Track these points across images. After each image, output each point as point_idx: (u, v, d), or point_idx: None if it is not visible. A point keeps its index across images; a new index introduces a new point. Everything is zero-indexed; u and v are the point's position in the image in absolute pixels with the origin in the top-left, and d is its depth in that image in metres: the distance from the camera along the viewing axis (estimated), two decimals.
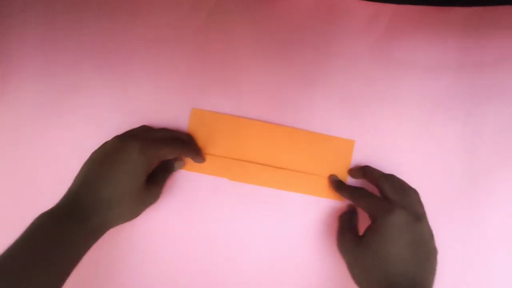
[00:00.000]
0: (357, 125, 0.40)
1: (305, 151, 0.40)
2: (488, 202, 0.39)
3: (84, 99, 0.40)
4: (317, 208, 0.40)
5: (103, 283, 0.40)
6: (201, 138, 0.40)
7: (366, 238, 0.32)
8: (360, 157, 0.40)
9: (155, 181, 0.36)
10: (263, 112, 0.40)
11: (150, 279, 0.40)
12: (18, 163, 0.40)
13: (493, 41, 0.40)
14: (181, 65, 0.41)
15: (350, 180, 0.40)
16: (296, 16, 0.41)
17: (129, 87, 0.40)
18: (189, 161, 0.39)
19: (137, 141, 0.33)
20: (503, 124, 0.39)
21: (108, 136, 0.40)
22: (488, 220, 0.39)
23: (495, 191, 0.39)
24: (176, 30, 0.41)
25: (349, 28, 0.40)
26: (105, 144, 0.34)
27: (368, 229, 0.33)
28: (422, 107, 0.40)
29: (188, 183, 0.40)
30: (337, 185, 0.39)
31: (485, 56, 0.40)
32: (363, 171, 0.38)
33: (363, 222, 0.37)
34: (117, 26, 0.41)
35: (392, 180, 0.35)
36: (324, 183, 0.40)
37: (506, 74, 0.40)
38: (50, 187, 0.40)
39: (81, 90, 0.40)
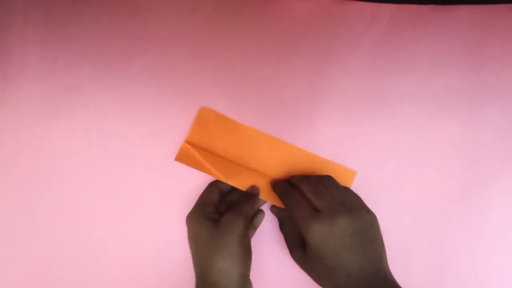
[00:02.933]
0: (357, 125, 0.40)
1: (303, 172, 0.39)
2: (490, 202, 0.39)
3: (84, 99, 0.40)
4: None
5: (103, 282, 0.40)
6: (203, 137, 0.40)
7: (308, 255, 0.33)
8: (360, 158, 0.40)
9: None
10: (262, 112, 0.40)
11: (150, 279, 0.40)
12: (18, 162, 0.40)
13: (495, 41, 0.40)
14: (181, 65, 0.41)
15: None
16: (296, 17, 0.41)
17: (129, 86, 0.40)
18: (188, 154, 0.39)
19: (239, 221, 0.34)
20: (505, 124, 0.39)
21: (107, 136, 0.40)
22: (491, 221, 0.39)
23: (497, 192, 0.39)
24: (175, 30, 0.41)
25: (349, 29, 0.40)
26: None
27: (306, 244, 0.33)
28: (423, 108, 0.40)
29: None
30: (274, 185, 0.38)
31: (487, 56, 0.40)
32: (288, 182, 0.38)
33: None
34: (117, 25, 0.41)
35: (305, 182, 0.35)
36: None
37: (508, 74, 0.39)
38: (50, 187, 0.40)
39: (81, 90, 0.40)
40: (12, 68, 0.40)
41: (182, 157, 0.39)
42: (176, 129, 0.40)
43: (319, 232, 0.31)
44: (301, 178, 0.36)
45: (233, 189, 0.38)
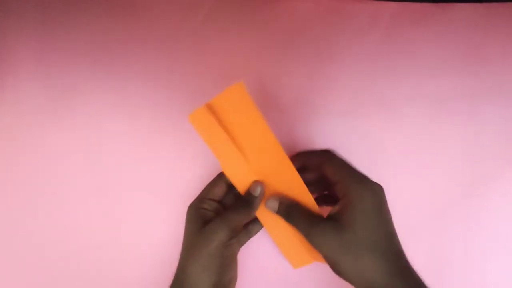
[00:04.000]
0: (358, 125, 0.40)
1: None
2: (490, 204, 0.38)
3: (82, 99, 0.40)
4: None
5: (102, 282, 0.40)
6: (224, 111, 0.32)
7: (348, 224, 0.28)
8: (359, 159, 0.39)
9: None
10: (261, 111, 0.40)
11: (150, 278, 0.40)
12: (16, 163, 0.40)
13: (496, 40, 0.39)
14: (179, 65, 0.40)
15: None
16: (296, 16, 0.40)
17: (127, 87, 0.40)
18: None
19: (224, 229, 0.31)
20: (506, 125, 0.39)
21: (105, 136, 0.40)
22: (491, 222, 0.38)
23: (498, 193, 0.38)
24: (174, 30, 0.41)
25: (350, 28, 0.40)
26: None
27: (346, 210, 0.28)
28: (424, 107, 0.39)
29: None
30: (300, 156, 0.34)
31: (488, 55, 0.39)
32: (300, 158, 0.33)
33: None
34: (115, 25, 0.41)
35: (333, 157, 0.32)
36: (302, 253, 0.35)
37: (509, 74, 0.39)
38: (48, 188, 0.40)
39: (78, 90, 0.40)
40: (9, 68, 0.40)
41: (196, 119, 0.32)
42: (175, 129, 0.40)
43: (370, 196, 0.28)
44: (320, 155, 0.32)
45: None
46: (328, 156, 0.32)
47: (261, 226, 0.36)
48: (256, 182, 0.33)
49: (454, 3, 0.39)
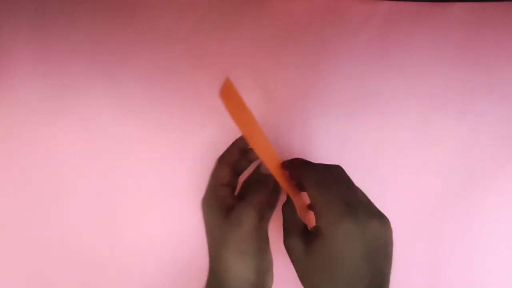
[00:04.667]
0: (353, 123, 0.40)
1: None
2: (486, 200, 0.39)
3: (80, 99, 0.40)
4: None
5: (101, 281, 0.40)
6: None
7: (315, 248, 0.27)
8: (354, 156, 0.40)
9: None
10: (258, 109, 0.40)
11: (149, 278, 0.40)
12: (14, 163, 0.40)
13: (490, 38, 0.40)
14: (176, 64, 0.40)
15: None
16: (291, 14, 0.40)
17: (125, 86, 0.40)
18: None
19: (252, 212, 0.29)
20: (500, 122, 0.39)
21: (103, 136, 0.40)
22: (485, 218, 0.39)
23: (492, 189, 0.39)
24: (171, 29, 0.41)
25: (345, 27, 0.40)
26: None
27: (316, 236, 0.27)
28: (418, 105, 0.40)
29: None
30: (286, 166, 0.32)
31: (482, 53, 0.40)
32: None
33: None
34: (112, 24, 0.41)
35: (315, 169, 0.29)
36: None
37: (503, 71, 0.39)
38: (46, 188, 0.40)
39: (76, 89, 0.40)
40: (6, 68, 0.40)
41: (225, 93, 0.30)
42: (173, 128, 0.40)
43: (350, 231, 0.25)
44: (301, 164, 0.31)
45: (245, 165, 0.34)
46: (308, 178, 0.29)
47: (278, 195, 0.34)
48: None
49: (448, 2, 0.40)
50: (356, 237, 0.26)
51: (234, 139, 0.35)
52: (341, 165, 0.30)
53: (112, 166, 0.40)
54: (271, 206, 0.34)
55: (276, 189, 0.33)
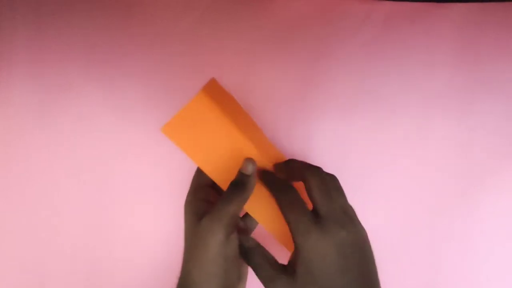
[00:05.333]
0: (351, 124, 0.40)
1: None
2: (485, 199, 0.39)
3: (76, 99, 0.40)
4: None
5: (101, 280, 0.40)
6: (203, 114, 0.30)
7: (296, 278, 0.26)
8: (353, 156, 0.40)
9: None
10: (257, 111, 0.40)
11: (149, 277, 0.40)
12: (9, 163, 0.40)
13: (489, 38, 0.40)
14: (175, 64, 0.40)
15: None
16: (291, 15, 0.40)
17: (122, 86, 0.40)
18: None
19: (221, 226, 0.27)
20: (499, 121, 0.39)
21: (100, 137, 0.40)
22: (484, 218, 0.39)
23: (491, 188, 0.39)
24: (169, 29, 0.41)
25: (345, 27, 0.40)
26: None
27: (294, 259, 0.27)
28: (417, 105, 0.40)
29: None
30: (263, 173, 0.31)
31: (481, 53, 0.40)
32: (286, 166, 0.31)
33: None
34: (110, 24, 0.40)
35: (316, 174, 0.28)
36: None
37: (502, 71, 0.39)
38: (41, 188, 0.40)
39: (72, 89, 0.40)
40: (2, 67, 0.40)
41: (171, 129, 0.30)
42: None
43: (321, 244, 0.26)
44: (309, 166, 0.29)
45: None
46: (279, 188, 0.29)
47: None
48: (247, 159, 0.29)
49: (448, 2, 0.40)
50: (326, 246, 0.26)
51: None
52: (341, 165, 0.30)
53: (109, 167, 0.40)
54: (249, 227, 0.33)
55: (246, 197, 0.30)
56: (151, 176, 0.40)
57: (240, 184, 0.29)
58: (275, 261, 0.29)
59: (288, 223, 0.27)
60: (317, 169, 0.29)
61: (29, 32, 0.40)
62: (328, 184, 0.28)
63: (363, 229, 0.28)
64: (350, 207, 0.29)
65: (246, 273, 0.32)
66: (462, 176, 0.39)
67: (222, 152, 0.30)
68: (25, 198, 0.40)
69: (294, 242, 0.27)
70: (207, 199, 0.31)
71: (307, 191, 0.28)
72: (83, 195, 0.40)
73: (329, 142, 0.40)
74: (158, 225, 0.40)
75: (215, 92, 0.32)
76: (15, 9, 0.40)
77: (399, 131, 0.40)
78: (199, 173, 0.33)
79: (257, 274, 0.29)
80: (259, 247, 0.30)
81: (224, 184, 0.31)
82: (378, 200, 0.39)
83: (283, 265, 0.29)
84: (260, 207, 0.32)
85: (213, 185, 0.32)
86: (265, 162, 0.31)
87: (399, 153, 0.39)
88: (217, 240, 0.27)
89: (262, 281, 0.28)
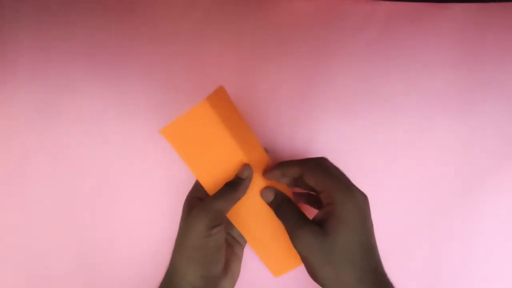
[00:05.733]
0: (353, 123, 0.40)
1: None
2: (484, 199, 0.39)
3: (79, 98, 0.40)
4: None
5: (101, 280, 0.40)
6: (204, 119, 0.31)
7: (330, 232, 0.27)
8: (355, 155, 0.40)
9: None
10: (258, 111, 0.40)
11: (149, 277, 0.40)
12: (13, 162, 0.40)
13: (490, 39, 0.40)
14: (177, 64, 0.40)
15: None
16: (292, 15, 0.41)
17: (124, 86, 0.40)
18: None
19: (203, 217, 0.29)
20: (500, 122, 0.39)
21: (103, 137, 0.40)
22: (484, 218, 0.39)
23: (491, 189, 0.39)
24: (172, 29, 0.41)
25: (346, 27, 0.40)
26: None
27: (329, 219, 0.28)
28: (418, 105, 0.40)
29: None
30: (281, 166, 0.32)
31: (482, 53, 0.40)
32: (281, 170, 0.32)
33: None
34: (112, 25, 0.41)
35: (316, 166, 0.31)
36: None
37: (502, 72, 0.39)
38: (44, 187, 0.40)
39: (75, 90, 0.40)
40: (6, 67, 0.40)
41: (169, 132, 0.31)
42: None
43: (354, 203, 0.28)
44: (297, 161, 0.32)
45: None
46: (308, 167, 0.31)
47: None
48: (245, 165, 0.31)
49: (448, 3, 0.40)
50: (356, 206, 0.28)
51: None
52: (341, 165, 0.31)
53: (111, 166, 0.40)
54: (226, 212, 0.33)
55: (234, 196, 0.31)
56: (153, 176, 0.40)
57: (233, 185, 0.31)
58: (303, 214, 0.30)
59: (327, 188, 0.29)
60: (306, 160, 0.32)
61: (32, 32, 0.40)
62: (323, 165, 0.31)
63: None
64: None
65: (236, 272, 0.34)
66: (462, 176, 0.39)
67: (217, 161, 0.32)
68: (26, 197, 0.40)
69: (331, 199, 0.28)
70: (203, 198, 0.33)
71: (308, 181, 0.30)
72: (85, 194, 0.40)
73: (330, 142, 0.40)
74: (158, 225, 0.40)
75: (219, 101, 0.32)
76: (18, 9, 0.40)
77: (400, 131, 0.40)
78: None
79: (284, 224, 0.30)
80: (288, 201, 0.32)
81: (208, 187, 0.32)
82: (378, 200, 0.39)
83: (308, 218, 0.30)
84: (249, 222, 0.33)
85: None
86: (257, 176, 0.33)
87: (400, 153, 0.40)
88: (199, 229, 0.29)
89: (289, 231, 0.30)
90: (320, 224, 0.28)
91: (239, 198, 0.31)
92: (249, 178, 0.31)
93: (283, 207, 0.32)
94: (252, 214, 0.33)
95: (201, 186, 0.33)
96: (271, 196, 0.32)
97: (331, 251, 0.27)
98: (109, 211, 0.40)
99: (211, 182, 0.32)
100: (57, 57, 0.40)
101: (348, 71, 0.40)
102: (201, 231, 0.29)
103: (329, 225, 0.28)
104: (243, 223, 0.34)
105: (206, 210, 0.29)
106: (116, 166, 0.40)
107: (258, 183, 0.33)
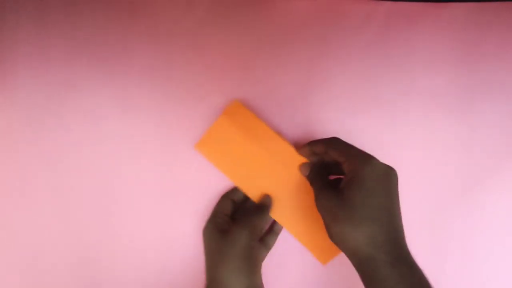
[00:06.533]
0: (353, 124, 0.40)
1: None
2: (485, 198, 0.39)
3: (79, 97, 0.40)
4: None
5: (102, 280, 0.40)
6: (227, 132, 0.37)
7: (347, 193, 0.30)
8: None
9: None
10: (258, 110, 0.40)
11: (149, 277, 0.40)
12: (15, 160, 0.40)
13: (490, 38, 0.40)
14: (178, 63, 0.40)
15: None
16: (293, 15, 0.41)
17: (126, 84, 0.40)
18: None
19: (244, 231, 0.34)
20: (500, 121, 0.39)
21: (103, 135, 0.40)
22: (485, 218, 0.39)
23: (491, 188, 0.39)
24: (172, 27, 0.41)
25: (346, 27, 0.40)
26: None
27: (348, 183, 0.30)
28: (418, 105, 0.40)
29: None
30: (309, 144, 0.36)
31: (482, 53, 0.40)
32: (310, 147, 0.36)
33: None
34: (114, 23, 0.41)
35: (338, 142, 0.34)
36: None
37: (502, 71, 0.39)
38: (45, 185, 0.40)
39: (76, 88, 0.40)
40: (7, 65, 0.40)
41: (203, 146, 0.38)
42: (174, 127, 0.40)
43: (380, 169, 0.30)
44: (323, 139, 0.35)
45: (247, 199, 0.38)
46: (332, 142, 0.34)
47: (274, 240, 0.39)
48: (266, 195, 0.37)
49: (448, 2, 0.40)
50: (380, 171, 0.30)
51: None
52: None
53: (114, 164, 0.40)
54: (265, 246, 0.38)
55: (272, 234, 0.38)
56: (153, 174, 0.40)
57: (261, 206, 0.36)
58: (328, 181, 0.34)
59: (348, 158, 0.32)
60: (334, 138, 0.34)
61: (33, 30, 0.40)
62: (341, 140, 0.33)
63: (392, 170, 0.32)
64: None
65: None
66: (462, 176, 0.39)
67: (249, 167, 0.37)
68: (28, 194, 0.40)
69: (352, 165, 0.31)
70: (226, 222, 0.36)
71: (332, 155, 0.33)
72: (88, 192, 0.40)
73: None
74: (161, 224, 0.40)
75: (237, 112, 0.38)
76: (19, 7, 0.40)
77: (400, 131, 0.40)
78: (219, 206, 0.38)
79: (311, 184, 0.35)
80: (319, 173, 0.35)
81: (249, 191, 0.37)
82: None
83: (334, 186, 0.32)
84: (291, 217, 0.37)
85: (228, 214, 0.37)
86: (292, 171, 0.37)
87: (400, 153, 0.40)
88: (244, 242, 0.33)
89: (314, 190, 0.33)
90: (342, 191, 0.30)
91: (267, 215, 0.36)
92: (269, 206, 0.37)
93: (315, 177, 0.35)
94: (295, 210, 0.37)
95: (219, 213, 0.37)
96: (307, 171, 0.36)
97: (345, 210, 0.29)
98: (110, 209, 0.40)
99: (251, 187, 0.37)
100: (58, 55, 0.40)
101: (348, 71, 0.40)
102: (245, 243, 0.33)
103: (347, 188, 0.30)
104: (287, 220, 0.37)
105: (245, 227, 0.34)
106: (117, 164, 0.40)
107: (294, 179, 0.37)
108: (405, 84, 0.40)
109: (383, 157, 0.39)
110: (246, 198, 0.38)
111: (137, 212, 0.40)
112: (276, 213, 0.37)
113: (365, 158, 0.31)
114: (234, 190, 0.38)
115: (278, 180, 0.37)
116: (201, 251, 0.37)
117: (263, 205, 0.36)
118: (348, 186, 0.30)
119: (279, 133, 0.38)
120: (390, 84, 0.40)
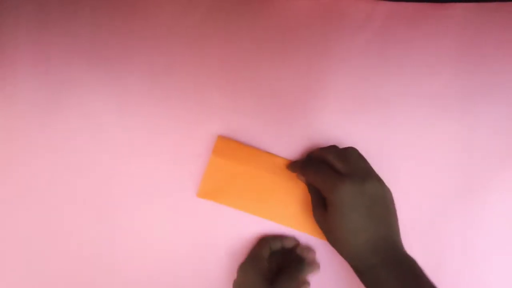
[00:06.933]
0: (353, 124, 0.40)
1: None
2: (485, 199, 0.39)
3: (80, 96, 0.40)
4: None
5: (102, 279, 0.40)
6: (222, 169, 0.39)
7: (329, 219, 0.33)
8: None
9: None
10: (259, 109, 0.40)
11: (149, 277, 0.40)
12: (14, 160, 0.40)
13: (490, 39, 0.40)
14: (178, 63, 0.40)
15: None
16: (293, 14, 0.41)
17: (126, 83, 0.40)
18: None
19: None
20: (500, 122, 0.39)
21: (104, 134, 0.40)
22: (485, 218, 0.39)
23: (492, 188, 0.39)
24: (172, 27, 0.41)
25: (346, 27, 0.40)
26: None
27: (327, 208, 0.33)
28: (418, 105, 0.40)
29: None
30: (287, 168, 0.39)
31: (482, 53, 0.40)
32: (288, 169, 0.39)
33: None
34: (114, 22, 0.41)
35: (332, 150, 0.35)
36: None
37: (502, 72, 0.39)
38: (45, 185, 0.40)
39: (76, 87, 0.40)
40: (7, 64, 0.40)
41: (204, 192, 0.39)
42: (174, 126, 0.40)
43: (348, 191, 0.31)
44: (324, 148, 0.36)
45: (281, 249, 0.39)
46: (306, 167, 0.36)
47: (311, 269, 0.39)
48: (307, 248, 0.39)
49: (448, 2, 0.40)
50: (351, 195, 0.32)
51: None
52: None
53: (113, 163, 0.40)
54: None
55: (306, 286, 0.38)
56: (154, 172, 0.40)
57: (300, 257, 0.38)
58: (320, 197, 0.35)
59: (318, 187, 0.34)
60: (332, 147, 0.36)
61: (33, 29, 0.40)
62: (346, 153, 0.34)
63: (387, 187, 0.34)
64: (374, 171, 0.34)
65: None
66: (463, 176, 0.39)
67: (252, 189, 0.39)
68: (28, 194, 0.40)
69: (326, 199, 0.33)
70: (265, 268, 0.37)
71: (331, 166, 0.34)
72: (87, 192, 0.40)
73: (330, 141, 0.40)
74: (160, 224, 0.40)
75: (224, 147, 0.39)
76: (19, 6, 0.40)
77: (400, 131, 0.40)
78: (258, 247, 0.38)
79: (311, 200, 0.36)
80: (315, 190, 0.36)
81: (264, 214, 0.39)
82: None
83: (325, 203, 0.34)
84: (289, 216, 0.39)
85: (266, 259, 0.37)
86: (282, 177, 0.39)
87: (400, 153, 0.39)
88: None
89: (312, 207, 0.36)
90: (327, 213, 0.33)
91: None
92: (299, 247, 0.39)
93: (310, 191, 0.37)
94: (307, 212, 0.39)
95: (257, 257, 0.37)
96: (304, 180, 0.38)
97: (330, 231, 0.34)
98: (110, 208, 0.40)
99: (264, 210, 0.39)
100: (58, 54, 0.40)
101: (348, 71, 0.40)
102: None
103: (328, 214, 0.33)
104: (301, 224, 0.39)
105: (295, 279, 0.36)
106: (117, 164, 0.40)
107: (298, 186, 0.39)
108: (405, 84, 0.40)
109: (383, 157, 0.40)
110: (282, 246, 0.39)
111: (137, 212, 0.40)
112: (290, 221, 0.39)
113: (335, 185, 0.32)
114: (274, 238, 0.39)
115: (285, 192, 0.39)
116: (201, 251, 0.37)
117: (301, 255, 0.38)
118: (328, 212, 0.33)
119: (267, 151, 0.39)
120: (390, 84, 0.40)
